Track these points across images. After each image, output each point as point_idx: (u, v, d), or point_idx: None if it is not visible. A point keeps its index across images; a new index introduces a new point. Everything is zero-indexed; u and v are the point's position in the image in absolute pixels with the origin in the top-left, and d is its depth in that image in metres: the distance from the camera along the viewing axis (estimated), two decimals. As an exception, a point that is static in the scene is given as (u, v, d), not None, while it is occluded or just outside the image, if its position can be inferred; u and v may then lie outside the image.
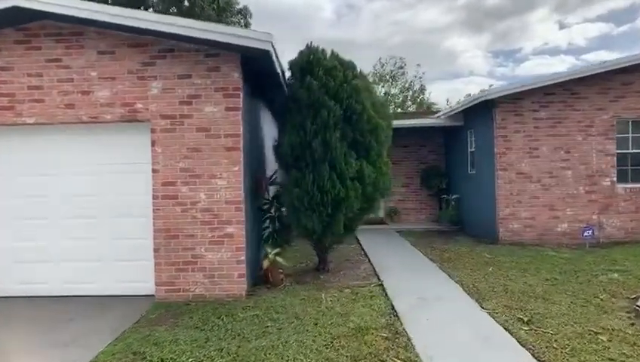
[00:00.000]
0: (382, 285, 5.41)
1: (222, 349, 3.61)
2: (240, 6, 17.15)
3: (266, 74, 5.49)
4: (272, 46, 4.61)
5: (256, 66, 5.20)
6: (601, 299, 4.74)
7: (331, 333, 3.89)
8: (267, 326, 4.10)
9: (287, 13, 38.53)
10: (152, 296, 4.99)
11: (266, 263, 5.34)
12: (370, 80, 24.52)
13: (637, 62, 7.78)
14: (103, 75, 4.92)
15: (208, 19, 15.72)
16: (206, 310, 4.61)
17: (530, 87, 7.87)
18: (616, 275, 5.67)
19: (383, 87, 23.92)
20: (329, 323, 4.15)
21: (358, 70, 6.02)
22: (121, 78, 4.92)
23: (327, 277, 5.91)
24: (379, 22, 38.75)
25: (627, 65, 7.83)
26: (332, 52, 5.88)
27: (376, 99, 5.81)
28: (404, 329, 3.97)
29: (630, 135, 8.24)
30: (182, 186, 4.95)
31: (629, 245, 7.72)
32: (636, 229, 8.10)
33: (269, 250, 5.42)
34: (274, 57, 4.88)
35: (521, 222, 8.15)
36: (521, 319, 4.13)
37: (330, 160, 5.25)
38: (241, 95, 4.99)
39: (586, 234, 7.57)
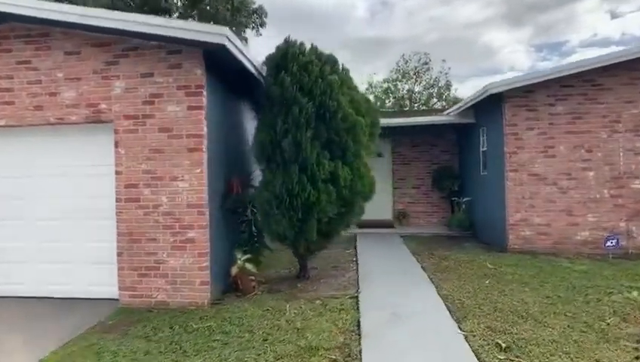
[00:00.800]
0: (357, 297, 4.98)
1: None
2: (255, 6, 17.07)
3: (239, 71, 5.23)
4: (230, 40, 4.33)
5: (227, 64, 4.95)
6: (607, 324, 4.05)
7: (277, 352, 3.54)
8: (214, 340, 3.82)
9: (320, 13, 38.45)
10: (118, 300, 4.87)
11: (234, 270, 5.07)
12: (394, 77, 23.87)
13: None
14: (69, 75, 4.86)
15: (223, 20, 15.81)
16: (162, 318, 4.41)
17: (542, 79, 7.08)
18: (635, 294, 4.90)
19: (405, 83, 23.10)
20: (280, 339, 3.80)
21: (340, 65, 5.62)
22: (87, 79, 4.83)
23: (304, 285, 5.55)
24: (414, 19, 37.68)
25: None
26: (312, 46, 5.52)
27: (357, 96, 5.37)
28: (359, 351, 3.55)
29: (665, 131, 7.23)
30: (144, 189, 4.78)
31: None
32: (673, 239, 7.10)
33: (238, 256, 5.14)
34: (236, 53, 4.60)
35: (534, 229, 7.37)
36: (499, 345, 3.58)
37: (302, 161, 4.90)
38: (205, 93, 4.74)
39: (609, 243, 6.71)
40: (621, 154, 7.19)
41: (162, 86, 4.74)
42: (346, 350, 3.58)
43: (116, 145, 4.81)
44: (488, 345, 3.61)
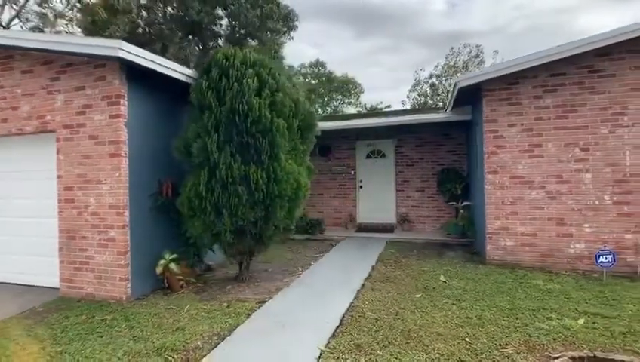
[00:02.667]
0: (265, 302, 4.92)
1: (26, 349, 3.76)
2: (286, 10, 17.45)
3: (171, 80, 5.49)
4: (128, 51, 4.61)
5: (152, 74, 5.25)
6: (501, 353, 3.47)
7: (131, 348, 3.70)
8: (96, 331, 4.14)
9: (396, 10, 37.84)
10: (59, 289, 5.45)
11: (159, 269, 5.34)
12: (440, 72, 22.48)
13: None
14: (25, 91, 5.57)
15: (252, 25, 16.46)
16: (81, 309, 4.83)
17: (520, 68, 6.15)
18: (581, 321, 4.08)
19: (451, 78, 21.59)
20: (146, 337, 3.96)
21: (274, 68, 5.57)
22: (37, 94, 5.49)
23: (234, 287, 5.62)
24: (497, 8, 35.06)
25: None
26: (242, 51, 5.56)
27: (278, 99, 5.25)
28: (202, 355, 3.54)
29: (690, 123, 5.82)
30: (78, 191, 5.29)
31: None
32: (700, 257, 5.69)
33: (166, 256, 5.40)
34: (142, 62, 4.87)
35: (517, 239, 6.45)
36: (347, 365, 3.29)
37: (213, 164, 4.99)
38: (125, 102, 5.09)
39: (602, 260, 5.63)
40: (627, 153, 5.96)
41: (91, 97, 5.19)
42: (191, 354, 3.59)
43: (57, 151, 5.40)
44: (336, 364, 3.34)
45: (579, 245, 6.14)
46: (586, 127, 6.13)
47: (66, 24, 17.20)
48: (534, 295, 4.99)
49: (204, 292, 5.44)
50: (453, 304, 4.71)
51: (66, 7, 16.16)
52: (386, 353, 3.52)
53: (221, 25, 17.34)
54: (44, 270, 5.63)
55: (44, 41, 5.21)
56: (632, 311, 4.39)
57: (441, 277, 5.79)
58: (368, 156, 10.70)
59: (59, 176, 5.40)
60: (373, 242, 8.67)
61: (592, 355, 3.39)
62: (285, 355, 3.54)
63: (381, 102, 27.91)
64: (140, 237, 5.30)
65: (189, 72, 5.62)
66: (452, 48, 22.04)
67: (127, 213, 5.12)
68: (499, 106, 6.54)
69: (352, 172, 10.74)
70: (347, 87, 28.86)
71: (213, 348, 3.70)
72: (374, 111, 22.79)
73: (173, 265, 5.36)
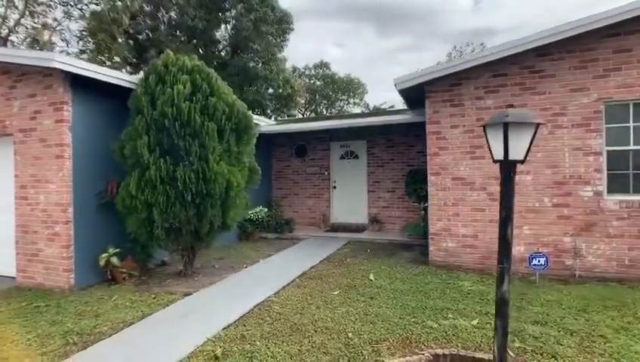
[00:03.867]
0: (190, 294, 5.24)
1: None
2: (281, 14, 17.78)
3: (114, 87, 5.90)
4: (64, 62, 5.04)
5: (99, 81, 5.68)
6: (374, 348, 3.61)
7: (43, 331, 4.09)
8: (26, 316, 4.57)
9: (419, 7, 37.56)
10: (15, 279, 5.96)
11: (101, 262, 5.75)
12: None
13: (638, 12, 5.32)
14: (-10, 98, 6.14)
15: (246, 29, 16.90)
16: (27, 296, 5.33)
17: (459, 68, 6.17)
18: (474, 322, 4.15)
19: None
20: (62, 321, 4.35)
21: (211, 74, 5.88)
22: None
23: (173, 281, 5.95)
24: (523, 2, 34.20)
25: (625, 18, 5.40)
26: (184, 58, 5.91)
27: (210, 103, 5.54)
28: (83, 342, 3.88)
29: (632, 124, 5.66)
30: (30, 189, 5.78)
31: (623, 285, 5.37)
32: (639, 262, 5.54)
33: (109, 251, 5.81)
34: (80, 72, 5.29)
35: (459, 241, 6.46)
36: (217, 356, 3.53)
37: (143, 165, 5.34)
38: (68, 108, 5.53)
39: (535, 263, 5.59)
40: (566, 154, 5.88)
41: (41, 104, 5.67)
42: (92, 337, 3.94)
43: (15, 153, 5.91)
44: (206, 354, 3.56)
45: (519, 247, 6.09)
46: (525, 129, 6.07)
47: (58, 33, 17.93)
48: (451, 296, 5.04)
49: (143, 284, 5.81)
50: (363, 301, 4.85)
51: (64, 17, 17.02)
52: (264, 343, 3.73)
53: (219, 30, 17.86)
54: (4, 261, 6.16)
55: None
56: (535, 312, 4.40)
57: (371, 276, 5.91)
58: (342, 157, 10.85)
59: (16, 176, 5.92)
60: (334, 241, 8.83)
61: (455, 353, 3.48)
62: (172, 339, 3.82)
63: (384, 103, 27.79)
64: (85, 233, 5.72)
65: (133, 78, 6.01)
66: (455, 47, 21.71)
67: (70, 210, 5.55)
68: (442, 108, 6.58)
69: (326, 172, 10.91)
70: (350, 87, 28.89)
71: (115, 333, 4.04)
72: (346, 114, 22.81)
73: (114, 259, 5.76)
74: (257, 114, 22.20)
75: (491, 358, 3.36)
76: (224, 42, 20.15)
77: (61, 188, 5.53)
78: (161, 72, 5.64)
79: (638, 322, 4.05)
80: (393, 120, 8.85)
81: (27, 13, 15.29)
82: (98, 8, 15.53)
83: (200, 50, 19.28)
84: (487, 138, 2.64)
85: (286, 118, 22.44)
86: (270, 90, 19.76)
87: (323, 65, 30.23)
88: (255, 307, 4.72)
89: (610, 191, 5.73)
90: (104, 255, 5.75)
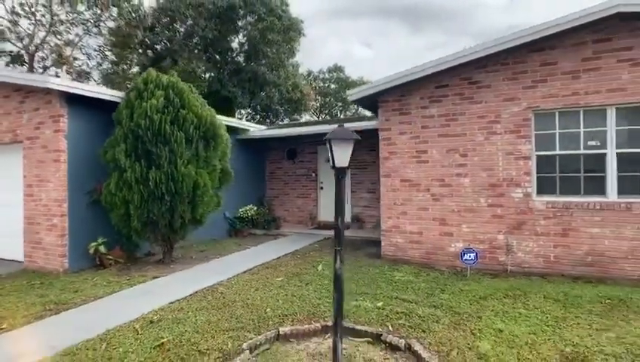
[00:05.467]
0: (157, 278, 6.16)
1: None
2: (289, 22, 18.70)
3: (105, 102, 6.96)
4: (57, 84, 6.10)
5: (89, 98, 6.75)
6: (283, 320, 4.36)
7: (30, 301, 5.11)
8: (20, 291, 5.61)
9: (453, 7, 37.56)
10: (23, 262, 7.13)
11: (91, 250, 6.80)
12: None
13: (558, 29, 5.77)
14: (5, 111, 7.35)
15: (253, 38, 17.92)
16: (29, 276, 6.42)
17: (405, 80, 6.77)
18: (378, 304, 4.79)
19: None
20: (47, 294, 5.36)
21: (184, 89, 6.80)
22: (11, 114, 7.24)
23: (152, 268, 6.91)
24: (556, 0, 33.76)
25: (547, 34, 5.86)
26: (161, 76, 6.87)
27: (181, 115, 6.46)
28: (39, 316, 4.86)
29: (557, 131, 6.08)
30: (35, 187, 6.93)
31: (544, 279, 5.83)
32: (564, 258, 5.95)
33: (98, 240, 6.86)
34: (76, 91, 6.36)
35: (406, 237, 7.06)
36: (135, 329, 4.40)
37: (121, 169, 6.33)
38: (64, 120, 6.62)
39: (466, 257, 6.13)
40: (500, 158, 6.36)
41: (43, 116, 6.79)
42: (65, 306, 4.92)
43: (23, 157, 7.09)
44: (145, 319, 4.43)
45: (458, 244, 6.63)
46: (464, 135, 6.61)
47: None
48: (378, 284, 5.68)
49: (125, 270, 6.80)
50: (298, 286, 5.60)
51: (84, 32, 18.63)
52: (194, 313, 4.57)
53: (236, 38, 18.97)
54: (16, 248, 7.35)
55: (4, 75, 6.91)
56: (440, 298, 4.99)
57: (319, 267, 6.63)
58: (328, 160, 11.54)
59: (24, 176, 7.09)
60: (312, 238, 9.58)
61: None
62: (126, 309, 4.73)
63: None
64: (78, 225, 6.79)
65: (119, 93, 7.05)
66: (464, 47, 21.74)
67: (65, 205, 6.63)
68: (392, 116, 7.20)
69: (313, 174, 11.67)
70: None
71: (84, 304, 5.01)
72: (335, 118, 23.36)
73: (102, 247, 6.80)
74: (268, 118, 23.31)
75: (368, 329, 4.06)
76: (238, 50, 21.29)
77: (58, 187, 6.62)
78: (140, 88, 6.62)
79: (522, 308, 4.57)
80: (361, 126, 9.50)
81: (51, 31, 17.08)
82: (114, 25, 17.08)
83: (217, 57, 20.54)
84: (330, 149, 3.33)
85: (298, 120, 23.41)
86: (278, 95, 20.69)
87: (337, 68, 31.03)
88: (205, 288, 5.57)
89: (539, 192, 6.18)
90: (93, 244, 6.80)
